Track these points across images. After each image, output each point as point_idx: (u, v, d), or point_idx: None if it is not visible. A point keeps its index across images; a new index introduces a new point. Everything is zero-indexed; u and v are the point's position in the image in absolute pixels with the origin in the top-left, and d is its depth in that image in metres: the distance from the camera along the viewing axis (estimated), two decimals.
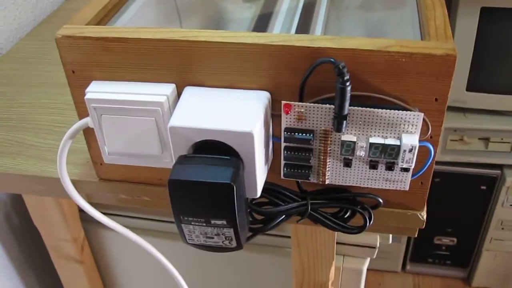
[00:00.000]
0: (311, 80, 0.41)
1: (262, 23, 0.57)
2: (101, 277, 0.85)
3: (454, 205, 1.30)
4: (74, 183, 0.54)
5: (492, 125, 1.13)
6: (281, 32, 0.54)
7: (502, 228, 1.28)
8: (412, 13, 0.50)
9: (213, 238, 0.41)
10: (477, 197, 1.26)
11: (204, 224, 0.40)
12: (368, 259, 0.71)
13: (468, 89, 1.09)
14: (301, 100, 0.42)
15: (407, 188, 0.44)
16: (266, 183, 0.45)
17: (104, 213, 0.72)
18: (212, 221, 0.40)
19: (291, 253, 0.64)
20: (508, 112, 1.13)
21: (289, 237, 0.64)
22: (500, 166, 1.20)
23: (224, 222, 0.40)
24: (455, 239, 1.38)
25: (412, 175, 0.44)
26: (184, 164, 0.40)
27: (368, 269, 0.72)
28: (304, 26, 0.55)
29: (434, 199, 1.28)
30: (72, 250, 0.76)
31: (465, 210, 1.30)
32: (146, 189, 0.53)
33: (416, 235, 0.50)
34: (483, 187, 1.24)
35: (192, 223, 0.41)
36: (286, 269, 0.73)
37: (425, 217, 0.48)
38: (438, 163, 1.21)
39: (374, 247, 0.68)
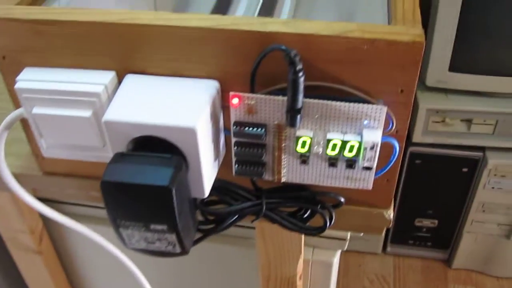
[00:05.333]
0: (264, 68, 0.37)
1: None
2: (63, 266, 0.81)
3: (435, 187, 1.28)
4: (17, 176, 0.49)
5: (474, 106, 1.09)
6: (248, 7, 0.49)
7: (483, 211, 1.26)
8: None
9: (154, 243, 0.38)
10: (458, 179, 1.24)
11: (144, 229, 0.37)
12: (339, 252, 0.68)
13: (451, 69, 1.05)
14: (252, 90, 0.38)
15: (370, 187, 0.40)
16: (217, 180, 0.41)
17: (63, 202, 0.68)
18: (152, 226, 0.36)
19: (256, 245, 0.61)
20: (491, 93, 1.10)
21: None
22: (482, 148, 1.17)
23: (165, 228, 0.36)
24: (436, 221, 1.36)
25: (376, 173, 0.40)
26: (120, 163, 0.36)
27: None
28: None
29: (415, 180, 1.26)
30: (30, 241, 0.72)
31: (446, 192, 1.28)
32: (94, 184, 0.49)
33: (383, 234, 0.47)
34: (465, 169, 1.21)
35: (130, 227, 0.37)
36: (254, 261, 0.70)
37: (391, 216, 0.45)
38: (419, 144, 1.18)
39: (345, 239, 0.65)
